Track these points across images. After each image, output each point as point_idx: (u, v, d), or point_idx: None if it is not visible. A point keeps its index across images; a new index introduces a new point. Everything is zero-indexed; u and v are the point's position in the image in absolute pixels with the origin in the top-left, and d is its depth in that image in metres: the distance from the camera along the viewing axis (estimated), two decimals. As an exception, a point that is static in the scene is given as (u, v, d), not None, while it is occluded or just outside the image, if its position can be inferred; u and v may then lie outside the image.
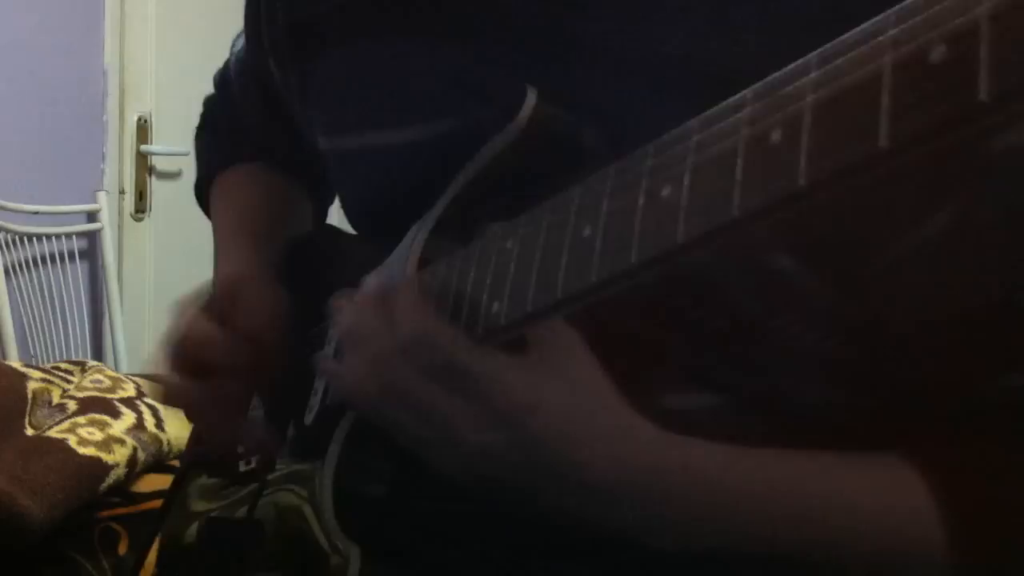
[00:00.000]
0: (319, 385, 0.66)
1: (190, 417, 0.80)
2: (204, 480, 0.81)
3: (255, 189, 0.89)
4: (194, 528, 0.78)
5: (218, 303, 0.72)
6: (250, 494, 0.72)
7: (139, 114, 3.10)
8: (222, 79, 0.93)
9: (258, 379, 0.71)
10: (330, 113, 0.71)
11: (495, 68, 0.62)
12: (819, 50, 0.36)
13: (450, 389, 0.50)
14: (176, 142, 3.08)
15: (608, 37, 0.59)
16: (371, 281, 0.63)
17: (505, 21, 0.62)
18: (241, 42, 0.87)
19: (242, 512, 0.72)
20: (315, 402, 0.66)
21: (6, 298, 2.62)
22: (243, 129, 0.90)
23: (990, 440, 0.57)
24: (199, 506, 0.80)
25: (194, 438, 0.86)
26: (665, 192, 0.41)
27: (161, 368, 0.71)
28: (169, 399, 0.72)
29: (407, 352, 0.51)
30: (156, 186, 3.16)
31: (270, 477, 0.71)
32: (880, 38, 0.34)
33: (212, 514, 0.76)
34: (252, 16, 0.79)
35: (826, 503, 0.55)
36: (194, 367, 0.70)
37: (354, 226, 0.77)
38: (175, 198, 3.14)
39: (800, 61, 0.37)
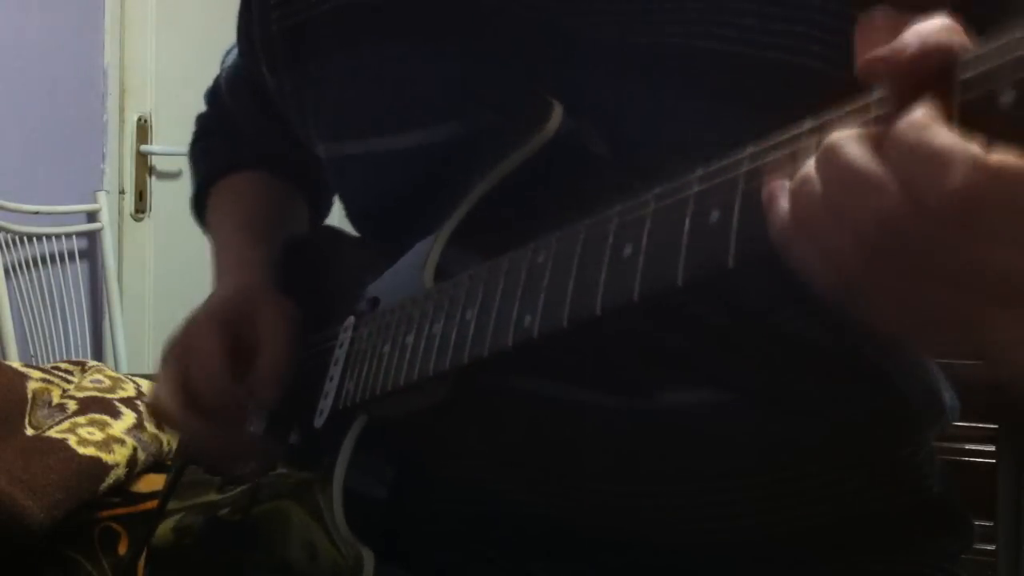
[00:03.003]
0: (329, 388, 0.66)
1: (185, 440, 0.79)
2: (199, 477, 0.80)
3: (252, 193, 0.88)
4: (177, 525, 0.78)
5: (222, 325, 0.71)
6: (246, 494, 0.72)
7: (139, 114, 3.09)
8: (213, 94, 0.92)
9: (248, 420, 0.71)
10: (329, 119, 0.70)
11: (496, 72, 0.62)
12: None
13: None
14: (176, 142, 3.07)
15: (608, 33, 0.59)
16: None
17: (503, 24, 0.62)
18: (231, 56, 0.87)
19: (238, 513, 0.72)
20: (325, 405, 0.66)
21: (6, 298, 2.61)
22: (237, 138, 0.90)
23: None
24: (182, 502, 0.80)
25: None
26: (714, 216, 0.41)
27: (159, 392, 0.71)
28: (156, 419, 0.72)
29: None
30: (156, 186, 3.16)
31: (271, 477, 0.70)
32: None
33: (207, 514, 0.76)
34: (245, 21, 0.79)
35: None
36: (194, 400, 0.69)
37: (357, 229, 0.77)
38: (175, 198, 3.13)
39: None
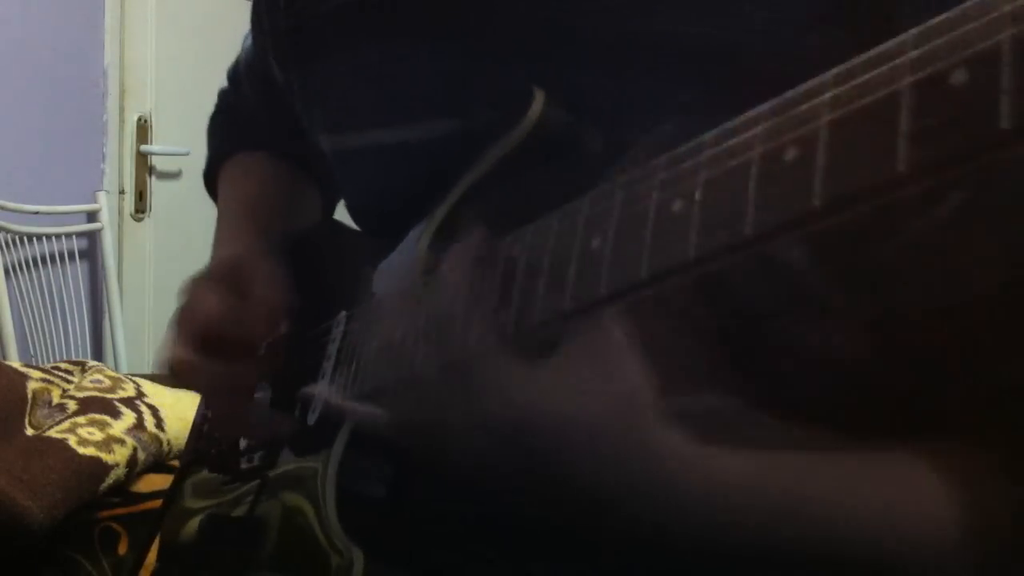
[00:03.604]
0: (322, 384, 0.66)
1: (202, 393, 0.80)
2: (204, 476, 0.81)
3: (261, 176, 0.89)
4: (194, 525, 0.78)
5: (227, 278, 0.73)
6: (251, 491, 0.72)
7: (139, 114, 3.10)
8: (234, 72, 0.94)
9: (266, 361, 0.71)
10: (331, 112, 0.71)
11: (495, 67, 0.62)
12: (835, 69, 0.36)
13: (465, 380, 0.48)
14: (176, 142, 3.08)
15: (607, 30, 0.59)
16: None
17: (503, 20, 0.62)
18: (251, 39, 0.88)
19: (242, 510, 0.72)
20: (318, 402, 0.66)
21: (6, 298, 2.62)
22: (251, 120, 0.91)
23: (1003, 432, 0.57)
24: (198, 503, 0.80)
25: (194, 435, 0.86)
26: (676, 206, 0.41)
27: (172, 345, 0.71)
28: (180, 376, 0.72)
29: (440, 326, 0.48)
30: (156, 186, 3.16)
31: (272, 475, 0.71)
32: (898, 60, 0.33)
33: (212, 511, 0.76)
34: (255, 16, 0.80)
35: (840, 503, 0.55)
36: (206, 343, 0.70)
37: (356, 222, 0.77)
38: (175, 198, 3.14)
39: (816, 80, 0.36)
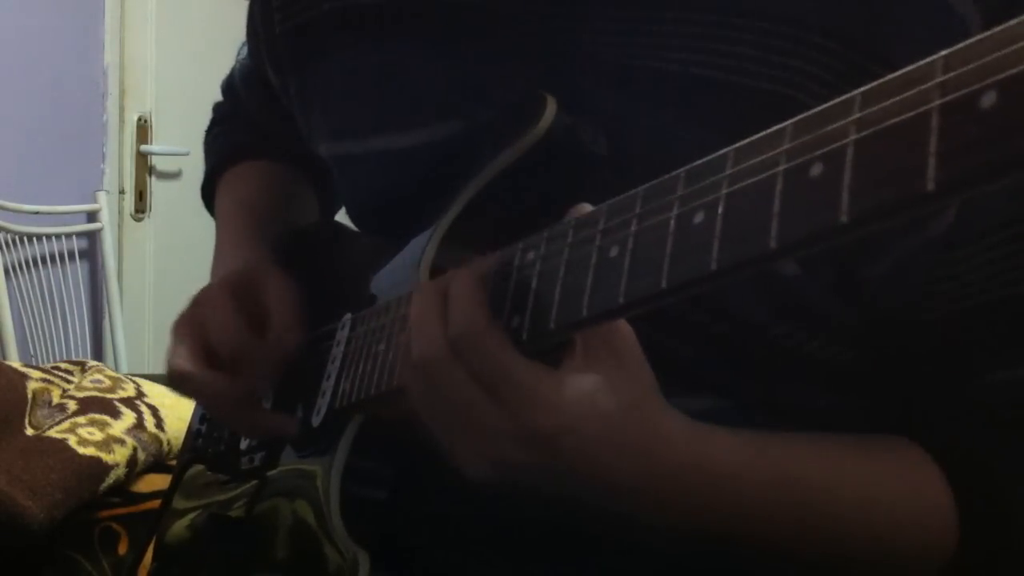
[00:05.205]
0: (327, 386, 0.66)
1: (203, 405, 0.79)
2: (192, 477, 0.80)
3: (260, 182, 0.89)
4: (182, 525, 0.78)
5: (239, 292, 0.71)
6: (246, 493, 0.72)
7: (139, 114, 3.10)
8: (229, 85, 0.94)
9: (273, 370, 0.71)
10: (331, 118, 0.71)
11: (497, 72, 0.62)
12: (861, 89, 0.36)
13: (488, 395, 0.49)
14: (176, 142, 3.08)
15: (609, 46, 0.59)
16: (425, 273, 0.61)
17: (506, 26, 0.62)
18: (246, 48, 0.88)
19: (240, 511, 0.72)
20: (322, 404, 0.65)
21: (6, 298, 2.62)
22: (249, 129, 0.91)
23: (994, 432, 0.57)
24: (185, 503, 0.80)
25: (191, 435, 0.86)
26: (698, 219, 0.41)
27: (175, 354, 0.70)
28: (181, 388, 0.71)
29: (456, 347, 0.49)
30: (156, 186, 3.16)
31: (271, 474, 0.70)
32: (928, 82, 0.34)
33: (213, 511, 0.76)
34: (250, 21, 0.80)
35: (841, 493, 0.55)
36: (214, 357, 0.69)
37: (357, 226, 0.77)
38: (175, 198, 3.14)
39: (842, 99, 0.37)
